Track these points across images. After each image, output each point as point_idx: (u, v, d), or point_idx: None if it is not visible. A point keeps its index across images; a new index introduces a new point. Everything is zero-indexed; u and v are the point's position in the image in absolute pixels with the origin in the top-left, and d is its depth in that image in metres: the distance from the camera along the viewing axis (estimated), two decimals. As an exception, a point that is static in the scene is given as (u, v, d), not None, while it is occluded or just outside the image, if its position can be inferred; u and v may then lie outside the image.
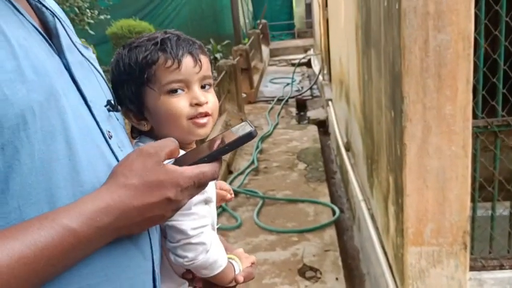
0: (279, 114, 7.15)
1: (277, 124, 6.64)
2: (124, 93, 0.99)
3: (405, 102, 2.09)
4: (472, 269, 2.39)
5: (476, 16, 2.06)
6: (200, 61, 1.05)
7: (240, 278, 1.10)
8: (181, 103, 1.06)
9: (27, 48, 0.66)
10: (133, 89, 0.99)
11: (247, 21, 12.86)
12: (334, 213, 3.91)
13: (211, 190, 1.07)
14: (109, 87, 0.94)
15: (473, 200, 2.35)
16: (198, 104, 1.08)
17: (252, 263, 1.18)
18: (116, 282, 0.74)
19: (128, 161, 0.72)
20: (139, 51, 0.98)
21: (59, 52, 0.75)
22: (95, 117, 0.77)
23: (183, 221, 1.00)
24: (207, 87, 1.10)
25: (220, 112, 6.33)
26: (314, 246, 3.41)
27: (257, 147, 5.61)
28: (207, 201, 1.05)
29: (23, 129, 0.62)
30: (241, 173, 4.87)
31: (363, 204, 3.43)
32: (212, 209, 1.10)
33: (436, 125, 2.10)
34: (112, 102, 0.84)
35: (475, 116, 2.21)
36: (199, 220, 1.01)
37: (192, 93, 1.08)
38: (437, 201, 2.20)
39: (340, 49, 5.09)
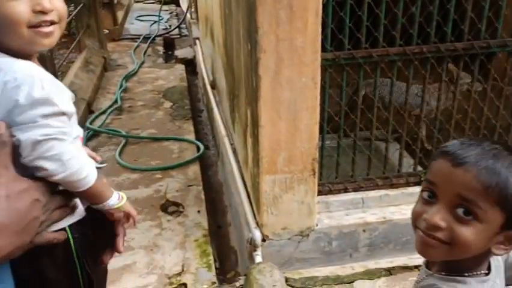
0: (145, 52, 6.86)
1: (143, 63, 6.37)
2: None
3: (259, 34, 2.11)
4: (320, 193, 2.59)
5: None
6: None
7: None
8: (20, 7, 0.95)
9: None
10: None
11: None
12: (199, 149, 3.94)
13: (63, 101, 1.02)
14: None
15: (322, 130, 2.51)
16: (42, 11, 0.97)
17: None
18: None
19: None
20: None
21: None
22: None
23: (29, 133, 0.97)
24: None
25: (80, 49, 5.88)
26: (178, 182, 3.42)
27: (121, 85, 5.36)
28: (61, 113, 1.01)
29: None
30: (103, 113, 4.64)
31: (226, 140, 3.50)
32: (72, 124, 1.09)
33: (288, 57, 2.16)
34: None
35: (325, 50, 2.33)
36: (46, 129, 0.98)
37: None
38: (289, 131, 2.30)
39: (205, -16, 4.97)
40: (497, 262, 0.94)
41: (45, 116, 0.98)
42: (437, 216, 0.82)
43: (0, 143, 0.93)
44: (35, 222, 1.01)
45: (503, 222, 0.81)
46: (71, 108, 1.07)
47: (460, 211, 0.81)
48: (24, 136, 0.97)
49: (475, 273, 0.88)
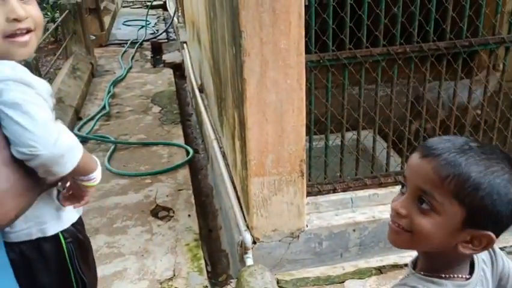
0: (132, 57, 6.85)
1: (130, 68, 6.36)
2: None
3: (243, 37, 2.12)
4: (309, 194, 2.60)
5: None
6: None
7: None
8: None
9: None
10: None
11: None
12: (188, 153, 3.94)
13: (41, 86, 1.00)
14: None
15: (309, 131, 2.53)
16: (17, 19, 0.96)
17: None
18: None
19: None
20: None
21: None
22: None
23: (4, 97, 0.92)
24: None
25: (67, 55, 5.85)
26: (168, 187, 3.42)
27: (109, 91, 5.34)
28: (37, 93, 0.97)
29: None
30: (91, 119, 4.62)
31: (215, 143, 3.50)
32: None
33: (273, 59, 2.17)
34: None
35: (309, 52, 2.34)
36: (23, 95, 0.93)
37: (7, 6, 0.94)
38: (276, 133, 2.31)
39: (191, -12, 4.97)
40: (482, 272, 0.93)
41: (23, 92, 0.95)
42: (400, 204, 0.86)
43: None
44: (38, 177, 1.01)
45: (464, 218, 0.81)
46: (49, 98, 1.02)
47: (420, 202, 0.83)
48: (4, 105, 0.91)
49: (453, 276, 0.88)
